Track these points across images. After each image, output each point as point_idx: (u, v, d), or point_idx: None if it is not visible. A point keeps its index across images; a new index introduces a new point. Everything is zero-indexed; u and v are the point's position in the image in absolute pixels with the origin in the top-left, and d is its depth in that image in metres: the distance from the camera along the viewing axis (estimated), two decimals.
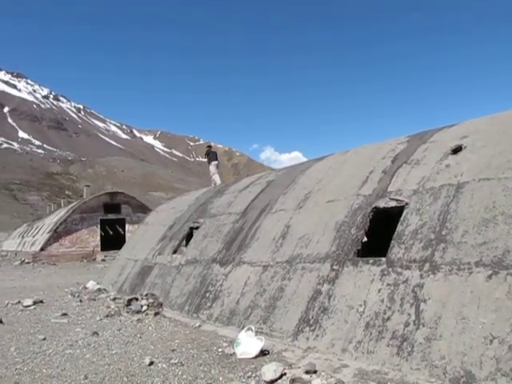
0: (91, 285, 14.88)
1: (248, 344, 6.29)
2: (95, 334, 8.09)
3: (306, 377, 5.17)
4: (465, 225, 5.52)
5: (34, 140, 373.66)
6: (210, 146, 22.14)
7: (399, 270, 5.77)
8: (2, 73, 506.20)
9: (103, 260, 32.21)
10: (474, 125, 7.67)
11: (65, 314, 10.17)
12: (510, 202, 5.30)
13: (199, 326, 8.35)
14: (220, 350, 6.70)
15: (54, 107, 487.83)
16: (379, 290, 5.80)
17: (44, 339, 7.84)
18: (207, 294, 9.06)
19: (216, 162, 20.99)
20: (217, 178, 20.18)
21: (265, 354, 6.23)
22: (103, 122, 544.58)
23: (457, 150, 6.90)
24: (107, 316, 9.75)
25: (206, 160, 21.93)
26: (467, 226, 5.48)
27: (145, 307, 10.05)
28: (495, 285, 4.67)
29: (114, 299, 11.82)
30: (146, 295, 10.79)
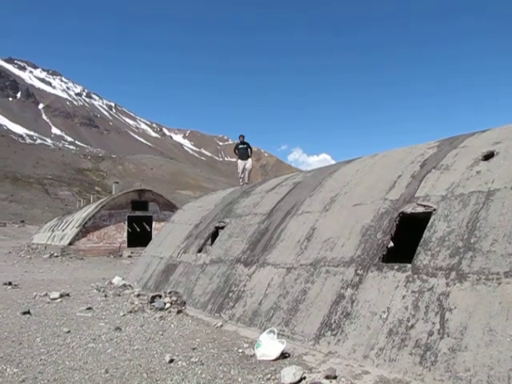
0: (116, 280, 15.08)
1: (269, 346, 6.25)
2: (118, 329, 8.18)
3: (326, 382, 5.10)
4: (494, 233, 5.37)
5: (66, 136, 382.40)
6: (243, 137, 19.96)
7: (425, 277, 5.65)
8: (38, 70, 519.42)
9: (129, 256, 32.66)
10: (509, 130, 7.44)
11: (89, 308, 10.33)
12: None
13: (221, 325, 8.35)
14: (240, 350, 6.68)
15: (86, 104, 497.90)
16: (403, 297, 5.69)
17: (68, 332, 7.98)
18: (230, 294, 9.07)
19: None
20: (245, 176, 19.25)
21: (285, 357, 6.17)
22: (134, 119, 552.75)
23: (488, 156, 6.73)
24: (131, 312, 9.86)
25: (237, 153, 19.74)
26: (497, 235, 5.32)
27: (168, 305, 10.12)
28: None
29: (138, 295, 11.95)
30: (170, 293, 10.87)
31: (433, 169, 7.40)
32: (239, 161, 19.64)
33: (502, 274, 4.89)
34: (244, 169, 19.40)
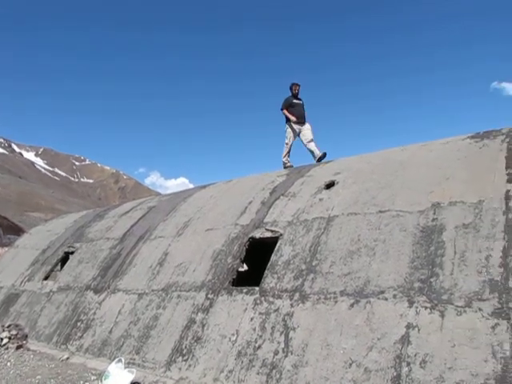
0: None
1: (117, 376, 6.02)
2: None
3: None
4: (333, 256, 5.85)
5: None
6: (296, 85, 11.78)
7: (271, 299, 5.93)
8: None
9: None
10: (347, 162, 8.26)
11: None
12: (372, 235, 5.74)
13: (67, 358, 7.81)
14: None
15: None
16: (251, 319, 5.89)
17: None
18: (78, 324, 8.55)
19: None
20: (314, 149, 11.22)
21: None
22: None
23: (330, 185, 7.35)
24: None
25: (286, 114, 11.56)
26: (335, 257, 5.81)
27: (6, 340, 9.17)
28: (356, 312, 4.99)
29: None
30: (9, 326, 9.87)
31: (281, 195, 7.86)
32: (293, 125, 11.57)
33: (338, 293, 5.35)
34: (292, 138, 11.61)
